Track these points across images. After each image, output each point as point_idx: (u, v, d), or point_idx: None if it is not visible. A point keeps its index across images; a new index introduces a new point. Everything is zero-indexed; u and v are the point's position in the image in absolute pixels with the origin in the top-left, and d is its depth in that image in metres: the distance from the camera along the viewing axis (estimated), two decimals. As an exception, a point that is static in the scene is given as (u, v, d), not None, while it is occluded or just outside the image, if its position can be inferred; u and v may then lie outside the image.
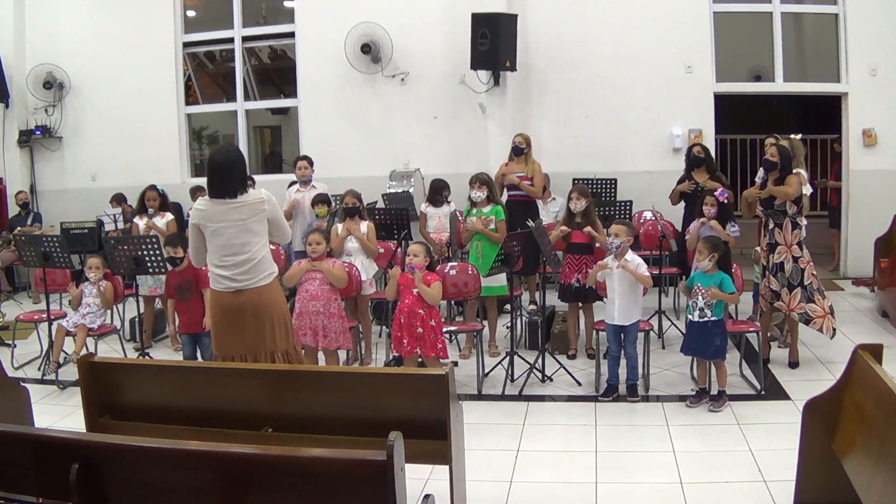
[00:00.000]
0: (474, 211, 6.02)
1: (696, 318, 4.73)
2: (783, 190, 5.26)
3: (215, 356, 4.21)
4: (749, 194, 5.59)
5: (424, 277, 4.88)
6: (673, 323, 6.43)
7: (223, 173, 3.98)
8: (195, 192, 8.26)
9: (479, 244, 5.99)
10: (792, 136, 6.04)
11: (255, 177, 8.06)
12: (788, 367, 5.41)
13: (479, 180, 6.02)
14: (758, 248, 5.71)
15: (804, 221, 5.71)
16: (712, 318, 4.69)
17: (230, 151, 4.14)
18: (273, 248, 5.04)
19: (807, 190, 5.60)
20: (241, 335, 4.07)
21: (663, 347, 6.07)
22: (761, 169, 5.45)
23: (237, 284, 4.02)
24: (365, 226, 5.88)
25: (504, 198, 6.90)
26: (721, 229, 5.60)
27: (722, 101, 8.33)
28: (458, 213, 6.43)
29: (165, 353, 6.37)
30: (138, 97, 9.28)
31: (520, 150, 6.85)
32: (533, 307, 6.92)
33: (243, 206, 3.98)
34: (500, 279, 5.77)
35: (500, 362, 5.54)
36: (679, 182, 6.70)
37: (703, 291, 4.70)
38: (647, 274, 4.96)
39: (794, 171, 5.55)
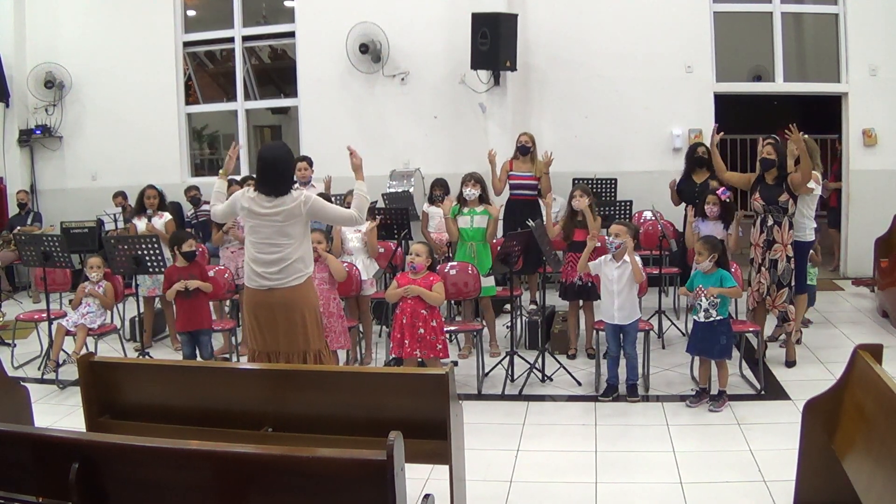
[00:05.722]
0: (465, 210, 5.92)
1: (702, 319, 4.73)
2: (804, 172, 5.13)
3: (247, 352, 4.25)
4: (743, 177, 5.62)
5: (426, 279, 4.87)
6: (673, 323, 6.43)
7: (267, 170, 4.11)
8: (189, 191, 8.30)
9: (471, 244, 5.91)
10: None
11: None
12: (785, 367, 5.41)
13: (474, 178, 5.94)
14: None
15: (814, 224, 5.67)
16: (718, 318, 4.69)
17: (277, 150, 4.23)
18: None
19: (816, 189, 5.53)
20: (273, 334, 4.14)
21: (663, 347, 6.06)
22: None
23: (269, 283, 4.09)
24: (367, 225, 5.85)
25: (507, 196, 6.89)
26: (727, 231, 5.61)
27: (722, 101, 8.31)
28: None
29: (165, 353, 6.38)
30: (138, 97, 9.28)
31: (526, 149, 6.80)
32: (533, 307, 6.91)
33: (281, 210, 4.05)
34: (490, 280, 5.76)
35: (499, 362, 5.54)
36: (678, 182, 6.69)
37: (705, 292, 4.71)
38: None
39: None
